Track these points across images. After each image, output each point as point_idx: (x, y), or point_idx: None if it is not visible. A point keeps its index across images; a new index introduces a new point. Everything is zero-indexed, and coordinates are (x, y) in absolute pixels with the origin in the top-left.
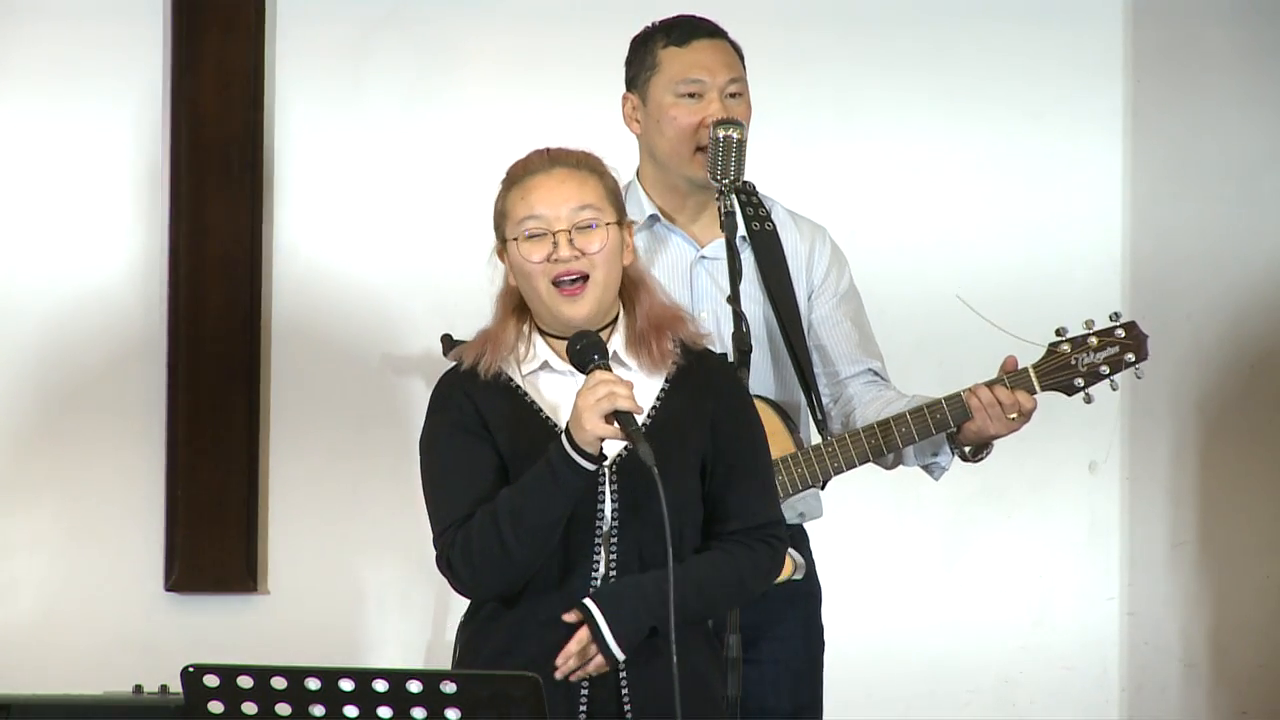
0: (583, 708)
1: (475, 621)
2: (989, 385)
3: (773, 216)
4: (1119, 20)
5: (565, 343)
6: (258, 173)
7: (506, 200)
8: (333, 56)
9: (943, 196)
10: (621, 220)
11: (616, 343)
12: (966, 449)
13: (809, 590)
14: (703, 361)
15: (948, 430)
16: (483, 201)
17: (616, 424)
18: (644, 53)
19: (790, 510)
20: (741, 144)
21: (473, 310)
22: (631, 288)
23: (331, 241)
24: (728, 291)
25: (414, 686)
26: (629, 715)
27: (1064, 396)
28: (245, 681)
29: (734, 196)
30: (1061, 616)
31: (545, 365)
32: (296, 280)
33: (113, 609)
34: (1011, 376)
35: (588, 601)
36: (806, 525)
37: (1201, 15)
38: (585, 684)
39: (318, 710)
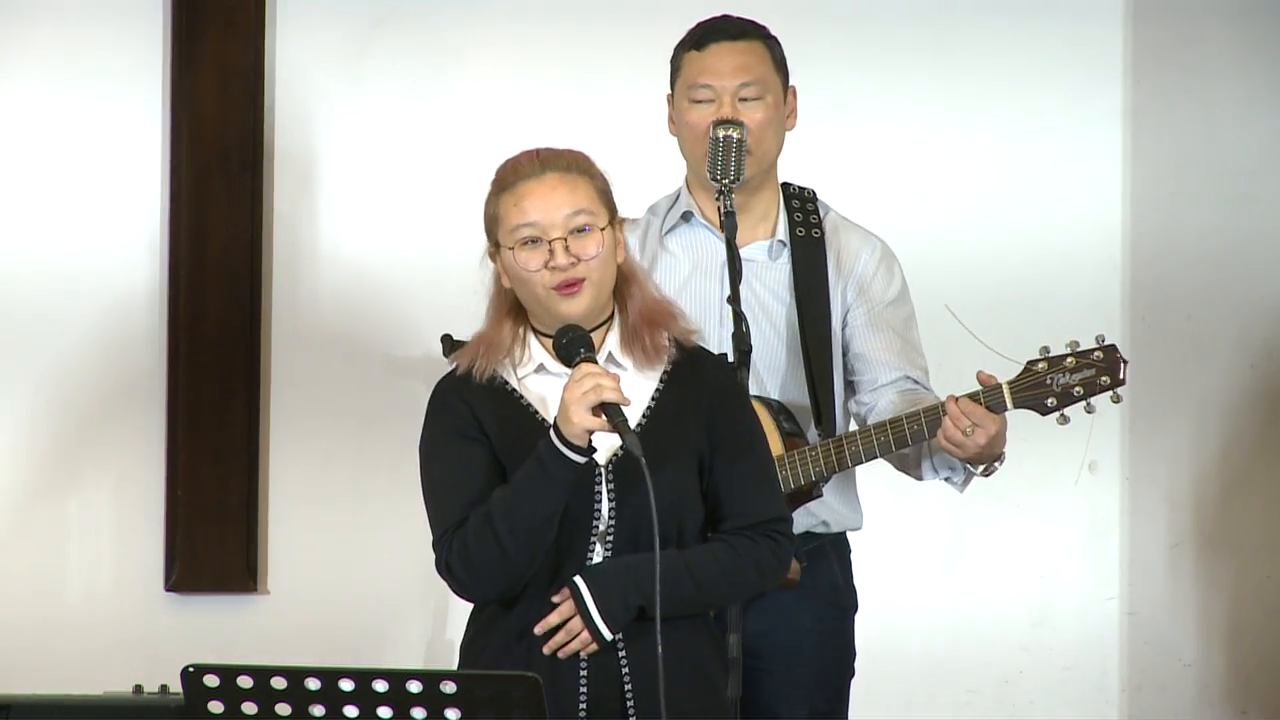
0: (583, 696)
1: (477, 623)
2: (958, 400)
3: (824, 223)
4: (1119, 20)
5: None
6: (258, 173)
7: (499, 205)
8: (333, 56)
9: (942, 196)
10: (614, 219)
11: (612, 342)
12: (978, 468)
13: (834, 600)
14: (696, 358)
15: (922, 440)
16: (484, 202)
17: (604, 416)
18: (675, 56)
19: (812, 518)
20: (741, 144)
21: (473, 310)
22: (623, 284)
23: (332, 241)
24: (760, 292)
25: (414, 686)
26: (630, 702)
27: (1039, 415)
28: (245, 681)
29: (787, 201)
30: (1061, 616)
31: (541, 368)
32: (296, 280)
33: (113, 609)
34: (987, 392)
35: (576, 579)
36: (850, 536)
37: (1201, 15)
38: (584, 673)
39: (318, 710)
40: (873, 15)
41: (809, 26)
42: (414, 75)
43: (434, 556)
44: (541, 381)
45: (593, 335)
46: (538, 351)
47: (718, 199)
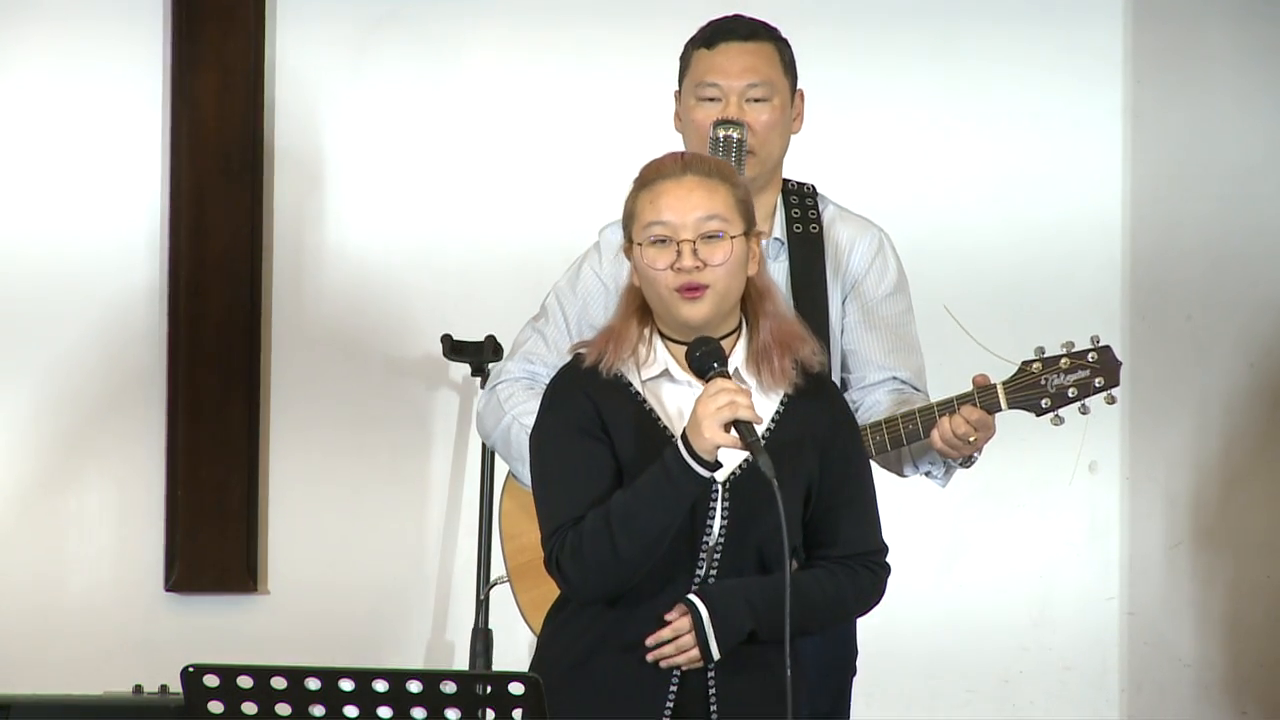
0: (668, 711)
1: (556, 620)
2: (960, 406)
3: (822, 217)
4: (1119, 20)
5: (686, 348)
6: (258, 172)
7: (636, 202)
8: (333, 55)
9: (942, 196)
10: (749, 231)
11: (737, 356)
12: (957, 461)
13: None
14: (818, 385)
15: (917, 440)
16: (484, 203)
17: (736, 433)
18: (684, 53)
19: None
20: (741, 144)
21: (473, 310)
22: (756, 299)
23: (332, 240)
24: None
25: (414, 686)
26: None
27: (1033, 416)
28: (245, 681)
29: (785, 198)
30: (1061, 616)
31: (666, 373)
32: (296, 280)
33: (113, 609)
34: (981, 393)
35: (693, 597)
36: None
37: (1201, 15)
38: (674, 686)
39: (318, 710)
40: (873, 14)
41: (809, 25)
42: (414, 74)
43: (433, 553)
44: (667, 388)
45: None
46: (663, 356)
47: None
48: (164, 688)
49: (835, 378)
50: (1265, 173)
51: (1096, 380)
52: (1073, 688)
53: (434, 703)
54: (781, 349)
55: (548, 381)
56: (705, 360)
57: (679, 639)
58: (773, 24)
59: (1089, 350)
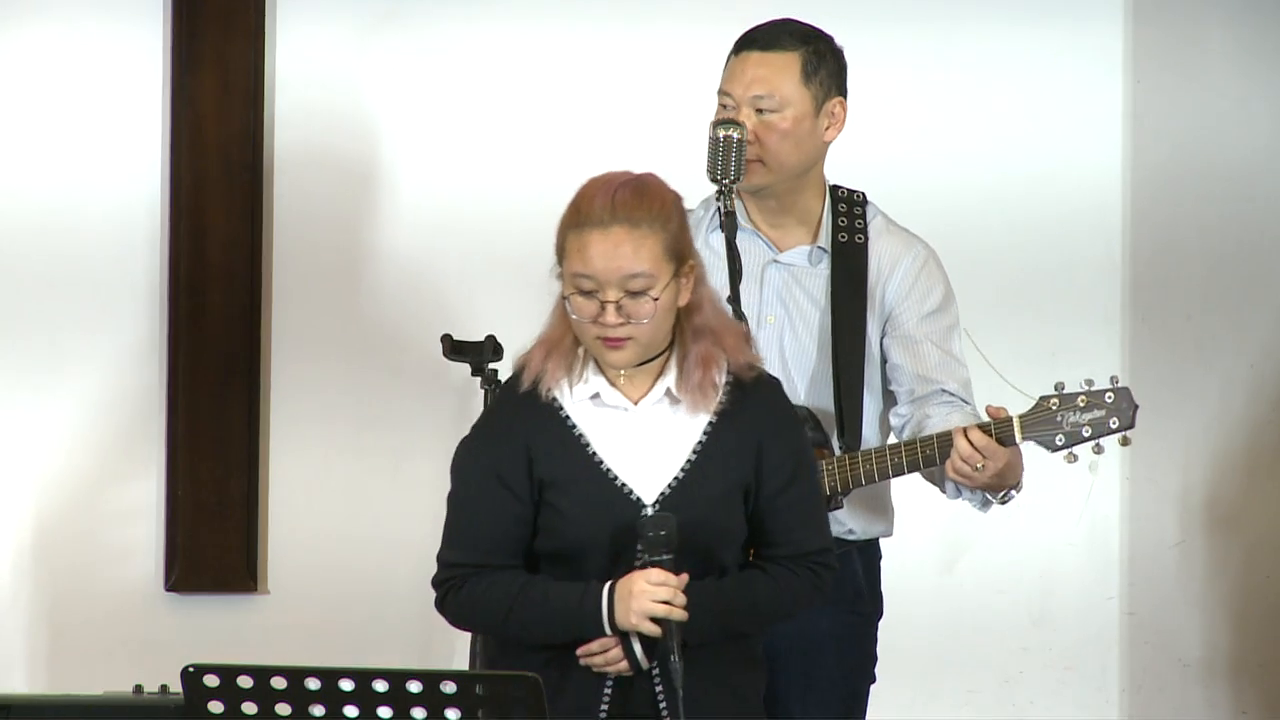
0: (604, 707)
1: None
2: (968, 433)
3: (869, 228)
4: (1119, 19)
5: (616, 374)
6: (258, 173)
7: (565, 240)
8: (333, 56)
9: (942, 197)
10: (680, 269)
11: (670, 378)
12: (994, 495)
13: (855, 607)
14: (750, 391)
15: (934, 465)
16: (483, 203)
17: (659, 625)
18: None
19: (838, 525)
20: (741, 144)
21: (473, 310)
22: (685, 319)
23: (331, 241)
24: (799, 297)
25: (414, 686)
26: (664, 715)
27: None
28: (245, 681)
29: (834, 205)
30: (1061, 616)
31: (596, 396)
32: (297, 280)
33: (113, 609)
34: (998, 425)
35: None
36: (881, 542)
37: (1202, 14)
38: (609, 689)
39: (318, 710)
40: (871, 15)
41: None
42: (414, 74)
43: (434, 555)
44: (597, 412)
45: (649, 366)
46: (595, 378)
47: (718, 198)
48: (164, 688)
49: (870, 388)
50: (1265, 173)
51: (1112, 420)
52: (1073, 688)
53: (434, 703)
54: (705, 368)
55: None
56: (654, 546)
57: (607, 652)
58: (762, 20)
59: (1106, 390)
